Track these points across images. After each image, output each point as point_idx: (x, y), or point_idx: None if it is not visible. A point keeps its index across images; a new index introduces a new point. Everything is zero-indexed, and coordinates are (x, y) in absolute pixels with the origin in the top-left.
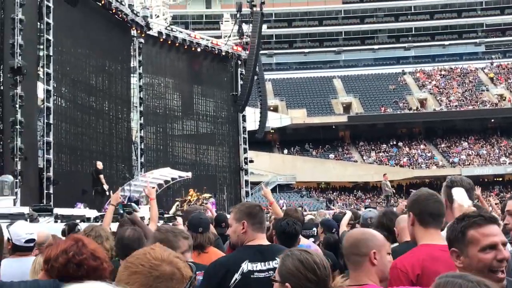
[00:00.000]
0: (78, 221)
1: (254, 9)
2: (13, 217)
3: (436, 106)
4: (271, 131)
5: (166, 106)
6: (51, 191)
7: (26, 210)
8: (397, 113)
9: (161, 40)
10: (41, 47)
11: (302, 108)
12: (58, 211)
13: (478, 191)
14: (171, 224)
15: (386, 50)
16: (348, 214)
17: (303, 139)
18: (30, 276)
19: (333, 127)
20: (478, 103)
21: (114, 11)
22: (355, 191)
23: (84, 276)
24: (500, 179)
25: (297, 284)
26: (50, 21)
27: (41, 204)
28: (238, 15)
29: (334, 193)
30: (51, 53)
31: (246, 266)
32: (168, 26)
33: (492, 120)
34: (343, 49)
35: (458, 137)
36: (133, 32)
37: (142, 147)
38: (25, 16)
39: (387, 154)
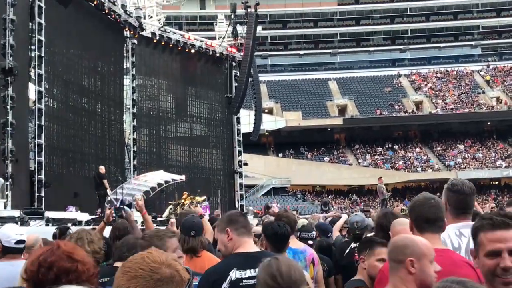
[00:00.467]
0: (69, 224)
1: (249, 10)
2: (3, 220)
3: (432, 108)
4: (266, 133)
5: (160, 108)
6: (42, 194)
7: (17, 213)
8: (392, 115)
9: (155, 41)
10: (33, 47)
11: (297, 110)
12: (49, 214)
13: None
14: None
15: (382, 52)
16: (343, 218)
17: (298, 141)
18: (19, 281)
19: (328, 129)
20: (474, 106)
21: (107, 11)
22: (350, 194)
23: (55, 279)
24: (496, 182)
25: None
26: (42, 21)
27: (32, 207)
28: (232, 16)
29: (329, 196)
30: (42, 54)
31: (234, 274)
32: (162, 27)
33: (488, 123)
34: (339, 51)
35: (454, 140)
36: (126, 33)
37: (135, 149)
38: (17, 16)
39: (383, 157)
